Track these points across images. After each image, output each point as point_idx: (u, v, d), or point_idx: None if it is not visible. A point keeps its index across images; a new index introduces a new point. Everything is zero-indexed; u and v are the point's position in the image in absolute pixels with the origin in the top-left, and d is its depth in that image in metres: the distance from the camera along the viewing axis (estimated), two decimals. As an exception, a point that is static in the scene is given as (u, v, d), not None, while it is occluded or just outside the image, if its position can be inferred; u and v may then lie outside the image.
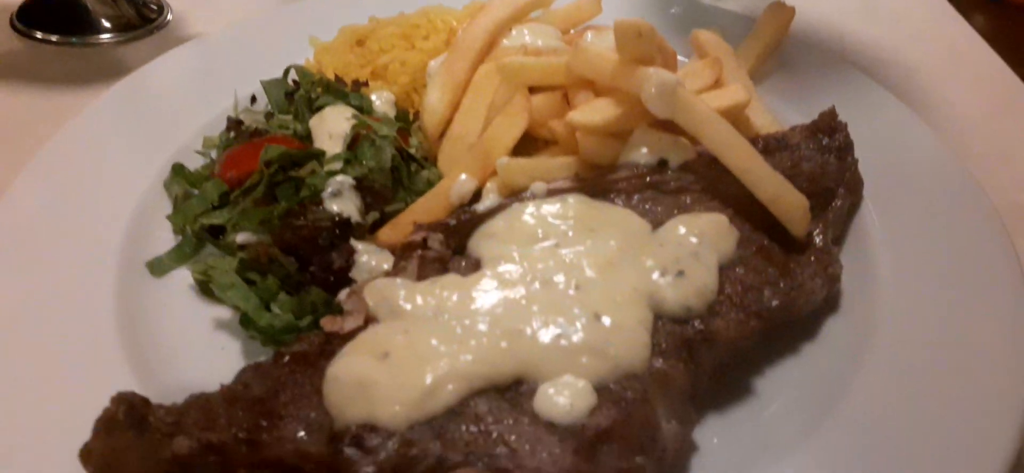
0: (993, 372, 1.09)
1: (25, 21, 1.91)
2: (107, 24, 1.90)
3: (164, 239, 1.31)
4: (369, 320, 1.08)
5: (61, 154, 1.37)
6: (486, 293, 1.08)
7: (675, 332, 1.08)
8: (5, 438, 1.00)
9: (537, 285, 1.10)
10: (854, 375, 1.13)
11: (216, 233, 1.28)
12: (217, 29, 1.80)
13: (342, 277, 1.20)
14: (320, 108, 1.41)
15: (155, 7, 1.97)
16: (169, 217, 1.31)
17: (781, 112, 1.56)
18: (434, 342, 1.00)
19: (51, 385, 1.07)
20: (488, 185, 1.29)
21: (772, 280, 1.18)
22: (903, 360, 1.13)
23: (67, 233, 1.25)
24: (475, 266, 1.17)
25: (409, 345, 1.00)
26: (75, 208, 1.29)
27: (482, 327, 1.03)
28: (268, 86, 1.47)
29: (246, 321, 1.16)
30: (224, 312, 1.23)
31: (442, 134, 1.40)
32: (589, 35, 1.47)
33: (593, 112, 1.28)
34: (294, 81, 1.49)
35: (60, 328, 1.13)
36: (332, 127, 1.34)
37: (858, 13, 2.04)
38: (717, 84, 1.49)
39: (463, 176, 1.29)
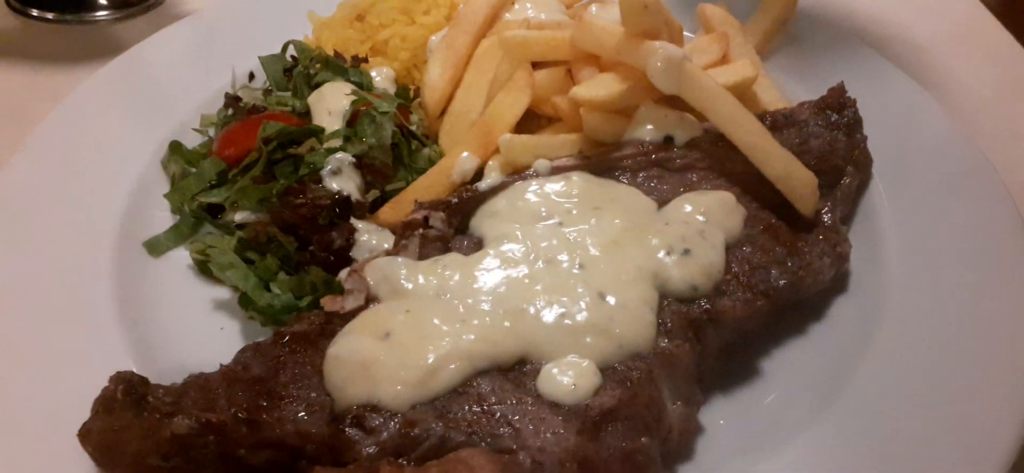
0: (1002, 353, 1.07)
1: (20, -2, 1.88)
2: (103, 1, 1.87)
3: (162, 218, 1.30)
4: (370, 299, 1.07)
5: (57, 132, 1.35)
6: (489, 272, 1.07)
7: (681, 312, 1.06)
8: (3, 417, 0.99)
9: (541, 264, 1.08)
10: (862, 356, 1.11)
11: (214, 212, 1.26)
12: (214, 5, 1.78)
13: (342, 256, 1.18)
14: (319, 84, 1.38)
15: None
16: (166, 195, 1.29)
17: (789, 88, 1.53)
18: (436, 321, 0.99)
19: (49, 365, 1.06)
20: (490, 163, 1.27)
21: (780, 259, 1.16)
22: (911, 341, 1.11)
23: (64, 212, 1.23)
24: (477, 245, 1.15)
25: (411, 324, 0.99)
26: (72, 187, 1.27)
27: (485, 306, 1.02)
28: (266, 62, 1.44)
29: (245, 301, 1.15)
30: (223, 292, 1.22)
31: (443, 111, 1.38)
32: (593, 8, 1.43)
33: (598, 87, 1.25)
34: (293, 57, 1.47)
35: (58, 308, 1.12)
36: (331, 104, 1.31)
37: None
38: (724, 59, 1.46)
39: (465, 154, 1.26)
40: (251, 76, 1.51)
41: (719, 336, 1.09)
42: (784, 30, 1.61)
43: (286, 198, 1.20)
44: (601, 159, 1.25)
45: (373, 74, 1.43)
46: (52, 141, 1.33)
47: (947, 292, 1.16)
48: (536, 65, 1.34)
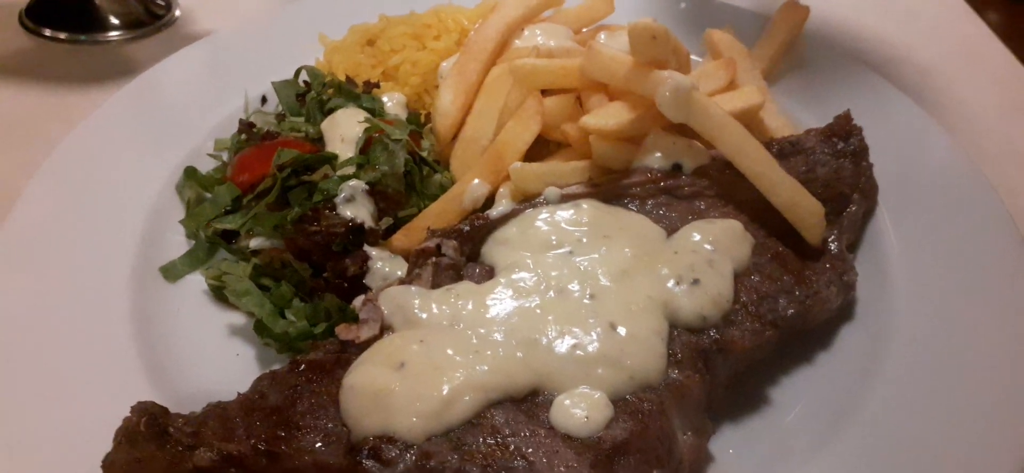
0: (1007, 380, 1.09)
1: (34, 18, 1.90)
2: (115, 21, 1.89)
3: (177, 242, 1.32)
4: (384, 329, 1.08)
5: (73, 157, 1.37)
6: (501, 302, 1.08)
7: (690, 342, 1.08)
8: (25, 445, 1.01)
9: (552, 294, 1.10)
10: (869, 384, 1.13)
11: (228, 237, 1.28)
12: (224, 26, 1.80)
13: (356, 283, 1.20)
14: (331, 110, 1.40)
15: (163, 3, 1.96)
16: (182, 221, 1.31)
17: (795, 114, 1.55)
18: (450, 352, 1.00)
19: (68, 391, 1.07)
20: (501, 190, 1.28)
21: (787, 288, 1.18)
22: (917, 369, 1.13)
23: (81, 238, 1.25)
24: (489, 273, 1.17)
25: (425, 355, 1.00)
26: (89, 212, 1.29)
27: (498, 337, 1.03)
28: (280, 87, 1.46)
29: (260, 327, 1.16)
30: (237, 317, 1.24)
31: (454, 137, 1.39)
32: (602, 36, 1.45)
33: (607, 116, 1.27)
34: (305, 82, 1.49)
35: (76, 334, 1.13)
36: (345, 130, 1.33)
37: (873, 10, 2.02)
38: (731, 85, 1.48)
39: (476, 181, 1.28)
40: (263, 100, 1.53)
41: (728, 366, 1.11)
42: (790, 55, 1.63)
43: (300, 225, 1.22)
44: (610, 187, 1.27)
45: (384, 99, 1.45)
46: (68, 166, 1.35)
47: (953, 319, 1.18)
48: (546, 92, 1.36)
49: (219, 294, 1.23)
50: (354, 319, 1.12)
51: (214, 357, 1.18)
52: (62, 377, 1.09)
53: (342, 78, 1.48)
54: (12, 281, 1.17)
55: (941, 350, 1.14)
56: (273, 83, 1.47)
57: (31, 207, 1.27)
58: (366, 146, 1.31)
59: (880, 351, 1.17)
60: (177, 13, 1.93)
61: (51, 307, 1.16)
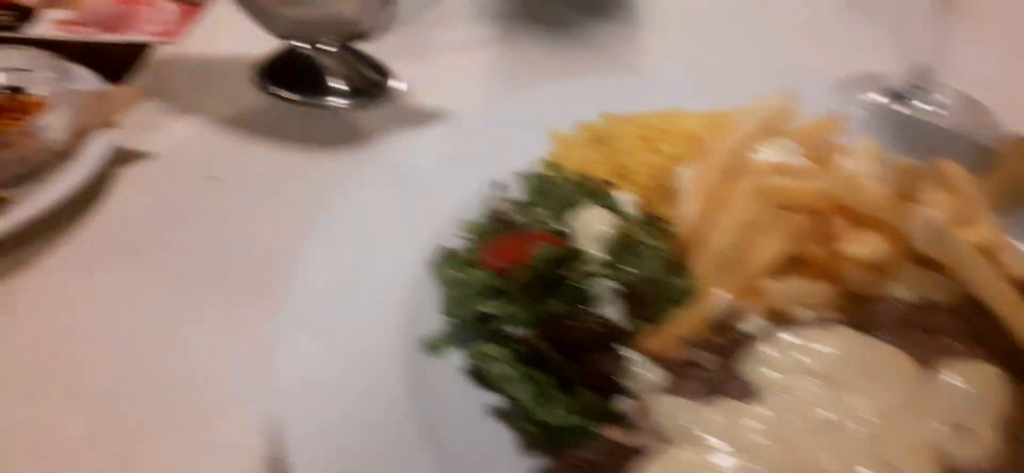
0: None
1: (266, 79, 2.09)
2: (341, 88, 2.05)
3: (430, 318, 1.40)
4: (656, 437, 1.13)
5: (341, 225, 1.49)
6: (777, 425, 1.11)
7: (963, 491, 1.08)
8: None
9: (823, 423, 1.12)
10: None
11: (487, 321, 1.36)
12: (445, 104, 1.93)
13: (611, 383, 1.25)
14: (572, 205, 1.48)
15: (385, 74, 2.12)
16: (443, 307, 1.39)
17: (1025, 250, 1.53)
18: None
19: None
20: (748, 305, 1.32)
21: (1052, 442, 1.16)
22: None
23: (358, 305, 1.35)
24: (747, 392, 1.20)
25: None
26: (363, 279, 1.39)
27: (778, 461, 1.06)
28: (525, 178, 1.55)
29: (523, 413, 1.23)
30: (496, 400, 1.28)
31: (692, 245, 1.45)
32: (839, 157, 1.48)
33: (866, 245, 1.30)
34: (545, 174, 1.58)
35: (355, 407, 1.22)
36: (594, 228, 1.40)
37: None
38: (960, 220, 1.48)
39: (724, 293, 1.33)
40: (504, 187, 1.62)
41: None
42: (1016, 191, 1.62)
43: (558, 318, 1.29)
44: (861, 315, 1.29)
45: (618, 197, 1.52)
46: (339, 234, 1.47)
47: None
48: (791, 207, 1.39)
49: (479, 375, 1.31)
50: (618, 420, 1.17)
51: (473, 439, 1.24)
52: (342, 449, 1.16)
53: (573, 172, 1.56)
54: (304, 345, 1.28)
55: None
56: (517, 173, 1.57)
57: (310, 272, 1.39)
58: (617, 246, 1.38)
59: None
60: (404, 87, 2.08)
61: (334, 376, 1.25)
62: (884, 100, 2.09)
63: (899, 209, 1.29)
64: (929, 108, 2.07)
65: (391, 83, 2.10)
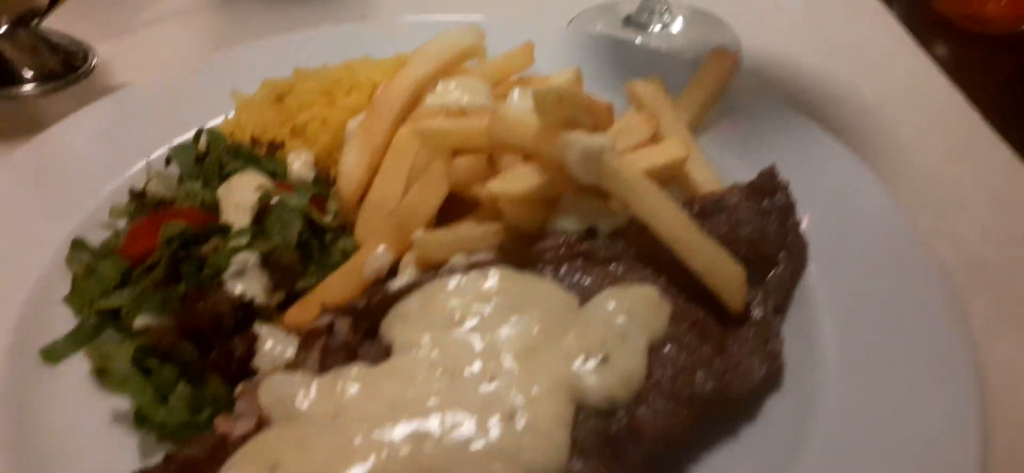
0: (941, 451, 1.02)
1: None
2: (28, 74, 1.81)
3: (64, 317, 1.22)
4: (263, 422, 1.00)
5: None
6: (390, 390, 1.00)
7: (598, 427, 1.00)
8: None
9: (449, 379, 1.02)
10: (796, 459, 1.05)
11: (116, 316, 1.20)
12: (143, 79, 1.72)
13: (244, 366, 1.12)
14: (229, 174, 1.32)
15: (81, 54, 1.88)
16: (66, 300, 1.22)
17: (726, 163, 1.48)
18: (328, 455, 0.92)
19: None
20: (405, 258, 1.21)
21: (706, 360, 1.11)
22: (848, 441, 1.06)
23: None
24: (385, 353, 1.09)
25: (301, 459, 0.92)
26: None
27: (383, 434, 0.95)
28: (177, 151, 1.38)
29: (139, 416, 1.08)
30: (125, 402, 1.15)
31: (360, 200, 1.32)
32: (515, 93, 1.38)
33: (515, 181, 1.20)
34: (205, 143, 1.41)
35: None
36: (239, 197, 1.25)
37: (814, 46, 1.98)
38: (653, 139, 1.41)
39: (379, 249, 1.21)
40: (168, 161, 1.44)
41: (640, 450, 1.03)
42: (722, 101, 1.57)
43: (187, 303, 1.14)
44: (522, 252, 1.19)
45: (291, 159, 1.38)
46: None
47: (884, 388, 1.11)
48: (457, 151, 1.28)
49: (103, 377, 1.14)
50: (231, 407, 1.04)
51: (94, 449, 1.09)
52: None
53: (248, 137, 1.41)
54: None
55: (872, 420, 1.07)
56: (172, 149, 1.39)
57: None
58: (262, 213, 1.24)
59: (808, 422, 1.10)
60: (94, 62, 1.85)
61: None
62: (616, 30, 2.02)
63: (553, 139, 1.19)
64: (660, 30, 2.01)
65: (91, 62, 1.86)
